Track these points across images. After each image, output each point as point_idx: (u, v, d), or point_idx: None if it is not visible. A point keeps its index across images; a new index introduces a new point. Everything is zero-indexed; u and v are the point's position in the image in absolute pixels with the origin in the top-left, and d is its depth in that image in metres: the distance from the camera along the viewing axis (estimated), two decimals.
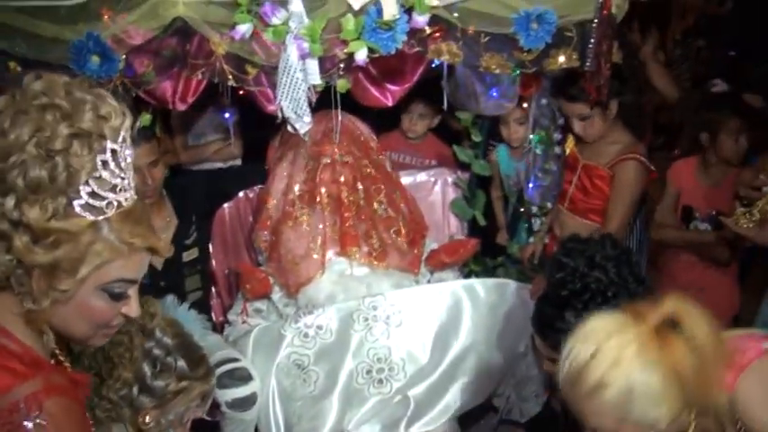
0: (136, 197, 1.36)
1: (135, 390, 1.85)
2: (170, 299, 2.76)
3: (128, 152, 1.34)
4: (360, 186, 2.96)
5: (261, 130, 3.29)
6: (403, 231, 3.01)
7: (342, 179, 2.94)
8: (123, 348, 1.82)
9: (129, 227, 1.31)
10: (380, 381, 2.80)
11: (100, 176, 1.27)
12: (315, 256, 2.91)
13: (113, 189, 1.29)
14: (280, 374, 2.76)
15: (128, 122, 1.33)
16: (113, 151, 1.28)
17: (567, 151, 3.23)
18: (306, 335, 2.79)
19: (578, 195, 3.21)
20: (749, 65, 3.36)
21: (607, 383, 1.54)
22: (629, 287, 2.23)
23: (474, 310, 2.90)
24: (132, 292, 1.39)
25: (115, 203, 1.30)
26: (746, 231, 2.84)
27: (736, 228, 2.84)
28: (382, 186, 3.04)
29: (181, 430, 1.95)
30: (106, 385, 1.82)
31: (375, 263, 2.92)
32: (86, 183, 1.25)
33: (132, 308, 1.39)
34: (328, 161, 2.95)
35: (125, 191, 1.32)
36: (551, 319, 2.27)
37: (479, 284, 2.97)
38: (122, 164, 1.31)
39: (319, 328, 2.79)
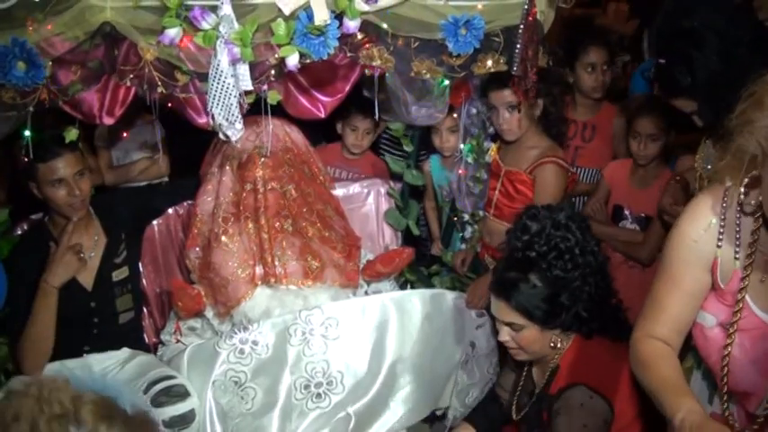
0: None
1: None
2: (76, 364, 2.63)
3: None
4: (286, 213, 2.90)
5: (188, 144, 3.23)
6: (338, 246, 2.99)
7: (263, 207, 2.87)
8: None
9: None
10: (319, 395, 2.77)
11: None
12: (243, 277, 2.85)
13: None
14: (217, 392, 2.69)
15: None
16: None
17: (490, 159, 3.29)
18: (241, 351, 2.72)
19: (503, 201, 3.27)
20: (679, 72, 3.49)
21: None
22: (590, 248, 2.36)
23: (410, 321, 2.90)
24: None
25: None
26: None
27: None
28: (312, 206, 3.00)
29: None
30: None
31: (311, 283, 2.88)
32: None
33: None
34: (251, 187, 2.88)
35: None
36: (516, 281, 2.35)
37: (415, 296, 2.97)
38: None
39: (255, 343, 2.73)
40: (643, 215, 3.51)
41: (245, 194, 2.88)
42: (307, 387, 2.76)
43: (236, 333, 2.74)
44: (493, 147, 3.30)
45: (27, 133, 2.59)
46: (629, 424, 2.35)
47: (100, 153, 3.77)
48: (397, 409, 2.86)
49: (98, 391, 1.68)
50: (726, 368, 2.00)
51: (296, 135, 3.11)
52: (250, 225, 2.86)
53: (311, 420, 2.76)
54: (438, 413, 3.11)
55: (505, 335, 2.44)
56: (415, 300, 2.94)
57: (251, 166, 2.89)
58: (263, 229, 2.84)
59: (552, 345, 2.41)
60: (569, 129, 3.76)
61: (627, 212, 3.57)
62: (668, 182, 3.15)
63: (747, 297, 1.96)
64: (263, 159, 2.89)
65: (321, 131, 3.80)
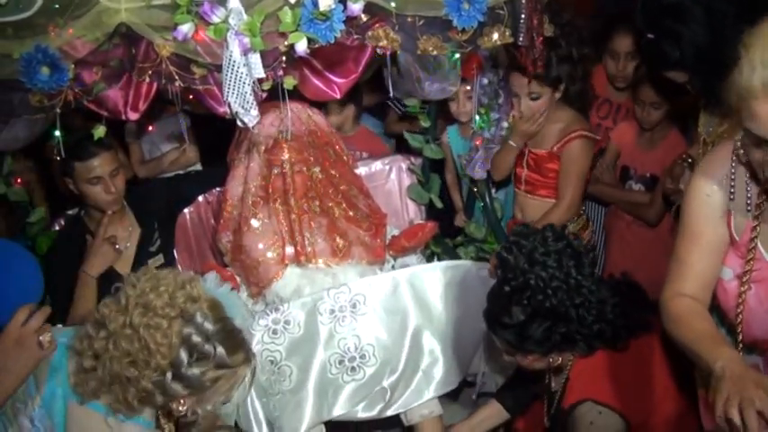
0: None
1: (169, 376, 1.86)
2: (211, 277, 2.79)
3: None
4: (313, 194, 2.99)
5: (216, 133, 3.35)
6: (364, 225, 3.07)
7: (292, 190, 2.96)
8: (161, 335, 1.84)
9: None
10: (353, 368, 2.87)
11: None
12: (273, 258, 2.95)
13: None
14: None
15: None
16: None
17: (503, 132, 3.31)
18: (274, 331, 2.84)
19: (532, 176, 3.31)
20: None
21: None
22: (570, 281, 2.28)
23: (434, 293, 2.97)
24: None
25: None
26: None
27: None
28: (337, 186, 3.09)
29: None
30: (139, 371, 1.85)
31: (339, 261, 2.97)
32: None
33: None
34: (278, 172, 2.98)
35: None
36: (499, 316, 2.34)
37: (438, 268, 3.05)
38: None
39: (287, 323, 2.84)
40: (648, 175, 3.54)
41: (272, 178, 2.97)
42: (341, 362, 2.86)
43: (267, 314, 2.85)
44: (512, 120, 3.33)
45: (57, 133, 2.72)
46: (648, 423, 2.39)
47: (131, 148, 3.90)
48: (428, 379, 2.94)
49: None
50: (740, 316, 2.03)
51: (318, 118, 3.19)
52: (279, 207, 2.96)
53: (349, 394, 2.86)
54: (469, 379, 3.19)
55: (507, 357, 2.48)
56: (439, 271, 3.02)
57: (277, 150, 2.98)
58: (293, 210, 2.93)
59: (554, 363, 2.43)
60: (602, 109, 3.77)
61: (633, 174, 3.60)
62: (675, 161, 3.13)
63: (760, 246, 2.00)
64: (288, 143, 2.98)
65: None
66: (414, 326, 2.94)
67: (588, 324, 2.31)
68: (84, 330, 1.96)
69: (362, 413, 2.89)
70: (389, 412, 2.91)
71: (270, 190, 2.98)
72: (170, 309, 1.85)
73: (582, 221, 3.32)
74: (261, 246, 2.95)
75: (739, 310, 2.04)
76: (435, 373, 2.95)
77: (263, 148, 3.03)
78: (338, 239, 2.97)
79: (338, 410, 2.85)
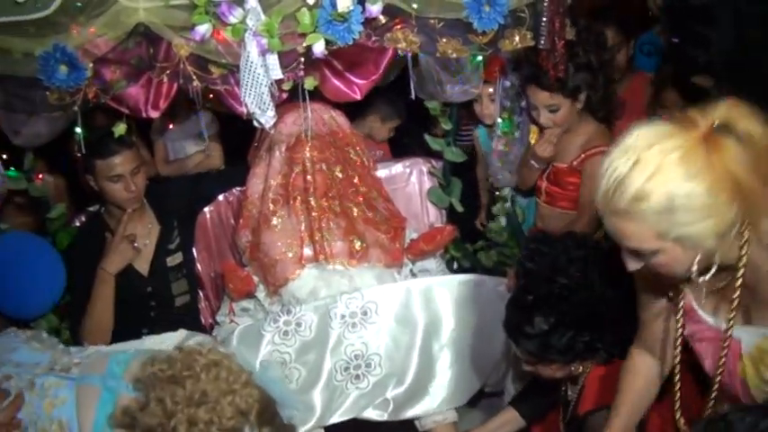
0: None
1: None
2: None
3: None
4: (333, 193, 2.99)
5: (240, 131, 3.36)
6: (383, 227, 3.06)
7: (313, 188, 2.96)
8: None
9: None
10: (358, 377, 2.86)
11: None
12: (291, 257, 2.95)
13: None
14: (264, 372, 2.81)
15: None
16: None
17: (533, 142, 3.25)
18: (285, 333, 2.84)
19: (552, 189, 3.23)
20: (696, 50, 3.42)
21: (647, 193, 1.46)
22: (596, 288, 2.24)
23: (448, 307, 2.94)
24: None
25: None
26: None
27: None
28: (358, 187, 3.09)
29: None
30: None
31: (357, 263, 2.96)
32: None
33: None
34: (300, 169, 2.98)
35: None
36: (521, 325, 2.29)
37: (454, 281, 3.01)
38: None
39: (298, 325, 2.84)
40: None
41: (293, 176, 2.98)
42: (346, 369, 2.85)
43: (279, 316, 2.85)
44: (534, 131, 3.27)
45: (78, 130, 2.75)
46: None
47: (156, 146, 3.93)
48: (435, 395, 2.92)
49: None
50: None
51: (340, 119, 3.19)
52: (299, 206, 2.96)
53: (352, 401, 2.86)
54: (487, 390, 3.15)
55: (527, 366, 2.43)
56: (454, 285, 2.98)
57: (299, 147, 2.99)
58: (313, 209, 2.94)
59: (574, 372, 2.40)
60: None
61: None
62: None
63: (697, 308, 1.87)
64: (310, 141, 2.98)
65: None
66: (424, 339, 2.91)
67: (612, 332, 2.28)
68: (128, 404, 1.90)
69: (367, 414, 2.89)
70: (398, 418, 2.90)
71: (290, 188, 2.98)
72: (216, 429, 1.80)
73: (603, 231, 3.25)
74: (279, 244, 2.96)
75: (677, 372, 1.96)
76: (443, 389, 2.93)
77: (284, 146, 3.04)
78: (356, 241, 2.96)
79: (340, 417, 2.85)
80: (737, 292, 1.64)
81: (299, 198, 2.97)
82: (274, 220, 2.98)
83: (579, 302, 2.24)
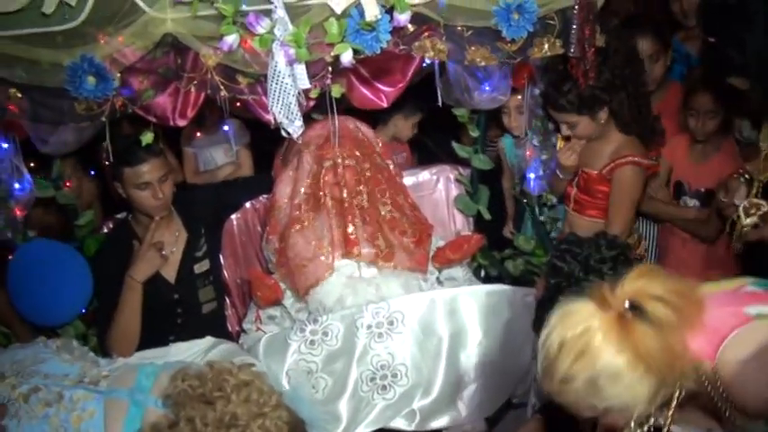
0: None
1: None
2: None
3: None
4: (362, 189, 3.01)
5: (267, 139, 3.35)
6: (408, 231, 3.05)
7: (344, 182, 2.99)
8: None
9: None
10: (384, 387, 2.85)
11: None
12: (322, 258, 2.95)
13: None
14: (291, 381, 2.81)
15: None
16: None
17: (557, 142, 3.24)
18: (312, 342, 2.84)
19: (581, 197, 3.20)
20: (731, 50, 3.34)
21: (573, 377, 1.55)
22: None
23: (475, 318, 2.92)
24: None
25: None
26: (754, 236, 2.82)
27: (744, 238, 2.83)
28: (386, 188, 3.09)
29: None
30: None
31: (382, 263, 2.96)
32: None
33: None
34: (330, 164, 3.01)
35: None
36: None
37: (483, 291, 2.99)
38: None
39: (325, 334, 2.84)
40: (703, 190, 3.41)
41: (324, 171, 2.99)
42: (372, 379, 2.84)
43: (306, 325, 2.85)
44: (559, 139, 3.25)
45: (107, 139, 2.77)
46: None
47: (185, 155, 3.91)
48: (462, 406, 2.90)
49: None
50: None
51: (366, 129, 3.20)
52: (330, 203, 2.98)
53: (378, 411, 2.84)
54: (514, 401, 3.12)
55: None
56: (481, 296, 2.96)
57: (328, 146, 3.01)
58: (345, 201, 2.96)
59: None
60: None
61: (687, 189, 3.49)
62: (730, 175, 2.96)
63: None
64: (339, 141, 2.99)
65: None
66: (451, 349, 2.89)
67: None
68: (157, 421, 1.88)
69: (394, 424, 2.87)
70: (422, 429, 2.88)
71: (321, 184, 2.99)
72: None
73: (634, 239, 3.21)
74: (309, 245, 2.97)
75: None
76: (469, 400, 2.91)
77: (313, 147, 3.05)
78: (380, 240, 2.95)
79: (366, 428, 2.83)
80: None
81: (329, 195, 2.98)
82: (305, 221, 3.00)
83: None
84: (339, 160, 3.00)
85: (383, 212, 3.03)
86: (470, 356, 2.90)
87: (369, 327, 2.84)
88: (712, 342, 1.64)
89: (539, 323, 2.33)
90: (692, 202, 3.47)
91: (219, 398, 1.78)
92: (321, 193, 3.00)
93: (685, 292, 1.59)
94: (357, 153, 3.07)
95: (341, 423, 2.80)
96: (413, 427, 2.85)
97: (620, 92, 2.97)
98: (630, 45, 3.11)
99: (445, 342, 2.88)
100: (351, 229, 2.94)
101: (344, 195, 2.97)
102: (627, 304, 1.54)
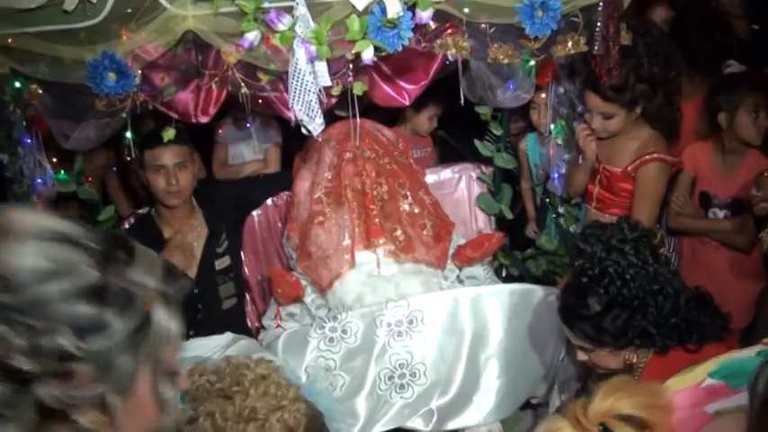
0: None
1: None
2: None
3: None
4: (382, 180, 3.00)
5: (294, 135, 3.33)
6: (428, 225, 3.03)
7: (365, 173, 2.98)
8: None
9: None
10: (402, 386, 2.82)
11: None
12: (344, 251, 2.95)
13: None
14: (310, 377, 2.80)
15: None
16: None
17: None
18: (331, 339, 2.83)
19: (604, 194, 3.16)
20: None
21: None
22: (648, 268, 2.22)
23: (497, 317, 2.89)
24: None
25: None
26: None
27: None
28: (406, 182, 3.08)
29: None
30: None
31: (401, 255, 2.94)
32: None
33: None
34: (350, 156, 3.00)
35: None
36: (575, 308, 2.27)
37: (505, 291, 2.96)
38: None
39: (344, 332, 2.83)
40: (731, 200, 3.35)
41: (344, 163, 2.99)
42: (390, 378, 2.82)
43: (325, 323, 2.84)
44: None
45: (128, 135, 2.79)
46: None
47: (216, 148, 3.90)
48: (481, 406, 2.86)
49: None
50: None
51: (387, 132, 3.20)
52: (350, 194, 2.97)
53: (396, 411, 2.82)
54: (533, 401, 3.09)
55: (581, 355, 2.38)
56: (504, 295, 2.92)
57: (349, 139, 3.00)
58: (366, 194, 2.95)
59: (628, 361, 2.33)
60: None
61: (715, 200, 3.40)
62: (761, 172, 2.94)
63: None
64: (361, 135, 2.99)
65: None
66: (470, 349, 2.86)
67: (665, 315, 2.23)
68: (176, 416, 1.90)
69: (411, 423, 2.84)
70: (439, 429, 2.85)
71: (342, 175, 2.98)
72: None
73: (657, 238, 3.16)
74: (331, 238, 2.96)
75: None
76: (488, 400, 2.87)
77: (333, 142, 3.05)
78: (399, 232, 2.95)
79: (383, 427, 2.81)
80: None
81: (350, 186, 2.98)
82: (327, 214, 2.99)
83: (633, 281, 2.21)
84: (359, 152, 3.00)
85: (403, 206, 3.02)
86: (491, 356, 2.87)
87: (389, 325, 2.82)
88: None
89: (564, 307, 2.34)
90: (722, 213, 3.39)
91: (238, 392, 1.78)
92: (343, 184, 2.99)
93: (654, 403, 1.57)
94: (377, 147, 3.07)
95: (358, 421, 2.78)
96: (429, 428, 2.83)
97: (657, 90, 2.95)
98: (673, 48, 3.07)
99: (465, 341, 2.85)
100: (372, 217, 2.93)
101: (366, 187, 2.96)
102: (599, 428, 1.53)
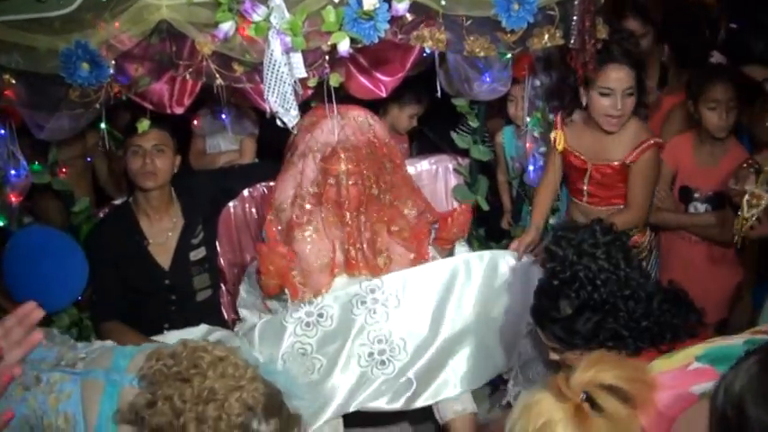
0: None
1: None
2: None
3: None
4: (363, 209, 2.96)
5: (270, 127, 3.30)
6: (406, 235, 3.03)
7: (347, 203, 2.92)
8: None
9: None
10: (383, 362, 2.86)
11: None
12: (323, 268, 2.95)
13: None
14: (286, 364, 2.80)
15: None
16: None
17: (559, 148, 3.13)
18: (307, 324, 2.85)
19: (595, 190, 3.15)
20: (751, 37, 3.29)
21: None
22: (620, 273, 2.22)
23: (469, 283, 2.95)
24: None
25: None
26: (755, 233, 2.80)
27: (743, 234, 2.80)
28: (388, 205, 3.04)
29: None
30: None
31: (382, 274, 2.96)
32: None
33: None
34: (333, 182, 2.91)
35: None
36: (547, 310, 2.28)
37: (475, 258, 3.00)
38: None
39: (320, 316, 2.86)
40: (712, 194, 3.35)
41: (327, 187, 2.93)
42: (371, 354, 2.85)
43: (301, 307, 2.86)
44: (560, 135, 3.11)
45: (103, 126, 2.76)
46: None
47: (194, 139, 3.86)
48: (456, 370, 2.90)
49: None
50: None
51: (379, 128, 3.11)
52: (331, 219, 2.95)
53: (377, 385, 2.84)
54: (506, 377, 3.11)
55: (553, 356, 2.39)
56: (475, 261, 2.98)
57: (334, 160, 2.91)
58: (346, 221, 2.93)
59: None
60: None
61: (696, 194, 3.41)
62: (740, 165, 2.89)
63: None
64: (346, 153, 2.91)
65: None
66: (451, 317, 2.91)
67: (636, 318, 2.22)
68: (134, 400, 1.87)
69: (388, 405, 2.86)
70: (416, 404, 2.87)
71: (324, 198, 2.94)
72: (225, 425, 1.80)
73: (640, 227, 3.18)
74: (313, 257, 2.95)
75: None
76: (463, 366, 2.91)
77: (319, 155, 2.96)
78: (380, 259, 2.96)
79: (363, 403, 2.83)
80: None
81: (330, 209, 2.94)
82: (306, 229, 2.96)
83: (604, 286, 2.21)
84: (343, 178, 2.90)
85: (383, 230, 3.00)
86: (466, 321, 2.92)
87: (364, 303, 2.86)
88: (662, 426, 1.63)
89: (536, 309, 2.35)
90: (704, 208, 3.40)
91: (196, 374, 1.79)
92: (324, 207, 2.95)
93: (636, 376, 1.59)
94: (363, 167, 2.94)
95: (337, 400, 2.80)
96: (409, 398, 2.85)
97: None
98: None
99: (441, 311, 2.91)
100: (352, 252, 2.93)
101: (347, 219, 2.93)
102: (582, 396, 1.55)
